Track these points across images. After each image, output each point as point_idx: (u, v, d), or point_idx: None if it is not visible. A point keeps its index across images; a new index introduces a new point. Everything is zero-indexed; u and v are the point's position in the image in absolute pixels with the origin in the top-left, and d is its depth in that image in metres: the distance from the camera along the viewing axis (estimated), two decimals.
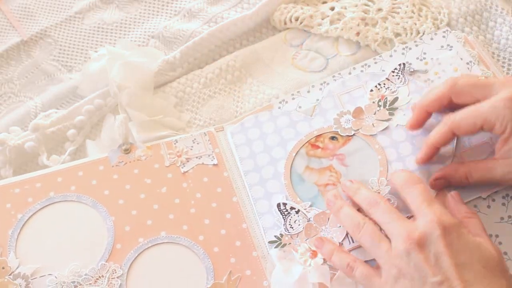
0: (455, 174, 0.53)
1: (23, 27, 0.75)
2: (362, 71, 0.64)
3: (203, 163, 0.60)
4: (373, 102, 0.61)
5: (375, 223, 0.50)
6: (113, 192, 0.59)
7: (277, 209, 0.56)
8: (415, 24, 0.67)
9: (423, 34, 0.66)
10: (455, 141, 0.56)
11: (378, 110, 0.60)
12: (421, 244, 0.45)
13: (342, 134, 0.59)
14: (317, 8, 0.70)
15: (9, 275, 0.54)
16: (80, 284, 0.54)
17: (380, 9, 0.69)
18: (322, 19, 0.69)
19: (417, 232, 0.46)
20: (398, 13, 0.68)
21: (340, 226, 0.54)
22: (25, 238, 0.57)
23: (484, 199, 0.54)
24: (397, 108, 0.60)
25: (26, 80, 0.72)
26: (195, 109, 0.66)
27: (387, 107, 0.60)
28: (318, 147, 0.59)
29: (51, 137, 0.64)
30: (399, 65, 0.62)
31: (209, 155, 0.61)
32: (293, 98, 0.63)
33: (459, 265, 0.44)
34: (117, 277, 0.54)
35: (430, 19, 0.67)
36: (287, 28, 0.70)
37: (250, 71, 0.68)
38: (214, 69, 0.68)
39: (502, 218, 0.53)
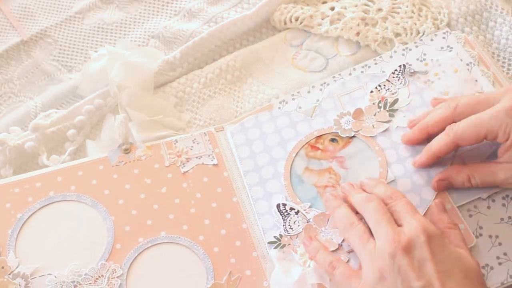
0: (457, 176, 0.54)
1: (23, 27, 0.75)
2: (362, 72, 0.64)
3: (203, 163, 0.60)
4: (373, 104, 0.61)
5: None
6: (113, 192, 0.59)
7: (276, 210, 0.56)
8: (415, 24, 0.67)
9: (423, 34, 0.66)
10: None
11: (378, 112, 0.60)
12: (407, 248, 0.46)
13: (342, 135, 0.59)
14: (317, 8, 0.70)
15: (9, 274, 0.54)
16: (80, 284, 0.54)
17: (380, 9, 0.69)
18: (322, 19, 0.69)
19: (403, 236, 0.47)
20: (398, 13, 0.68)
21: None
22: (24, 237, 0.57)
23: (484, 199, 0.54)
24: (397, 109, 0.60)
25: (26, 80, 0.72)
26: (195, 109, 0.66)
27: (387, 109, 0.60)
28: (318, 148, 0.59)
29: (51, 137, 0.64)
30: (399, 66, 0.62)
31: (209, 155, 0.61)
32: (293, 99, 0.63)
33: (442, 272, 0.45)
34: (117, 277, 0.54)
35: (430, 19, 0.67)
36: (287, 28, 0.70)
37: (250, 71, 0.68)
38: (214, 69, 0.68)
39: (502, 219, 0.53)
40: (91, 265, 0.55)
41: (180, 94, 0.67)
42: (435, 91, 0.60)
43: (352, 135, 0.59)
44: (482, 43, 0.65)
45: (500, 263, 0.52)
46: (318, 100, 0.62)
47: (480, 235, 0.53)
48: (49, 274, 0.55)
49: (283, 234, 0.55)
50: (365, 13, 0.68)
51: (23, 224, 0.57)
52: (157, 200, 0.58)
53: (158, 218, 0.57)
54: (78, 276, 0.54)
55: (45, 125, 0.64)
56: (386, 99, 0.61)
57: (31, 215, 0.58)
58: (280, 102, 0.63)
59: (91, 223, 0.57)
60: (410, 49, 0.64)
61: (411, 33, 0.66)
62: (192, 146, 0.61)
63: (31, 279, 0.54)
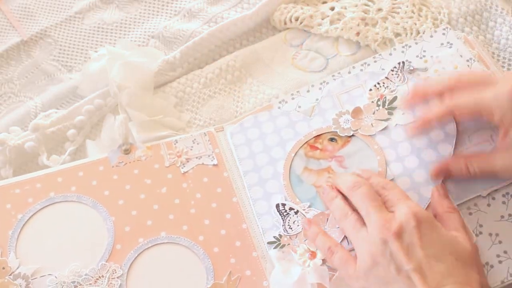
0: (455, 165, 0.54)
1: (23, 27, 0.75)
2: (361, 70, 0.63)
3: (203, 163, 0.60)
4: (372, 102, 0.60)
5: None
6: (113, 193, 0.59)
7: (276, 210, 0.56)
8: (415, 24, 0.67)
9: (423, 34, 0.66)
10: (454, 141, 0.56)
11: (377, 110, 0.60)
12: (398, 233, 0.47)
13: (341, 135, 0.59)
14: (317, 8, 0.70)
15: (9, 275, 0.55)
16: (80, 284, 0.54)
17: (380, 9, 0.69)
18: (322, 19, 0.69)
19: (394, 222, 0.48)
20: (398, 13, 0.68)
21: (338, 227, 0.54)
22: (25, 238, 0.57)
23: (484, 197, 0.54)
24: (396, 107, 0.60)
25: (26, 80, 0.72)
26: (195, 109, 0.66)
27: (386, 107, 0.60)
28: (317, 148, 0.59)
29: (51, 137, 0.65)
30: (398, 63, 0.62)
31: (209, 155, 0.61)
32: (293, 98, 0.63)
33: (431, 256, 0.46)
34: (117, 277, 0.55)
35: (430, 19, 0.67)
36: (287, 28, 0.70)
37: (250, 71, 0.68)
38: (214, 69, 0.68)
39: (502, 217, 0.53)
40: (92, 266, 0.55)
41: (180, 94, 0.67)
42: None
43: (351, 134, 0.59)
44: (482, 43, 0.65)
45: (500, 261, 0.52)
46: (317, 99, 0.62)
47: (480, 233, 0.53)
48: (50, 274, 0.55)
49: (282, 234, 0.55)
50: (365, 13, 0.68)
51: (23, 225, 0.57)
52: (157, 201, 0.58)
53: (158, 218, 0.57)
54: (79, 277, 0.54)
55: (45, 125, 0.64)
56: (385, 97, 0.60)
57: (32, 216, 0.58)
58: (280, 102, 0.63)
59: (91, 223, 0.57)
60: (410, 46, 0.64)
61: (411, 33, 0.66)
62: (192, 147, 0.61)
63: (31, 279, 0.54)
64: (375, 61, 0.63)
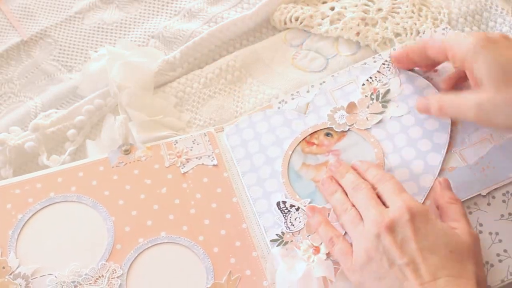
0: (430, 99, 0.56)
1: (23, 27, 0.75)
2: None
3: (203, 164, 0.60)
4: (366, 96, 0.61)
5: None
6: (113, 193, 0.59)
7: (276, 208, 0.56)
8: (415, 24, 0.67)
9: (423, 34, 0.66)
10: (449, 129, 0.57)
11: (371, 104, 0.60)
12: (390, 228, 0.47)
13: (337, 130, 0.59)
14: (317, 8, 0.70)
15: (9, 275, 0.55)
16: (80, 284, 0.54)
17: (380, 9, 0.69)
18: (322, 19, 0.69)
19: (387, 216, 0.48)
20: (398, 13, 0.68)
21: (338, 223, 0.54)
22: (25, 238, 0.57)
23: (484, 196, 0.54)
24: (390, 100, 0.60)
25: (26, 80, 0.72)
26: (195, 109, 0.66)
27: (380, 100, 0.60)
28: (313, 143, 0.60)
29: (51, 137, 0.65)
30: (389, 57, 0.62)
31: (209, 156, 0.61)
32: (293, 98, 0.63)
33: (425, 249, 0.46)
34: (117, 277, 0.55)
35: (430, 19, 0.67)
36: (287, 28, 0.70)
37: (250, 71, 0.68)
38: (214, 69, 0.68)
39: (502, 215, 0.53)
40: (92, 265, 0.55)
41: (180, 94, 0.67)
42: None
43: (347, 129, 0.59)
44: None
45: (500, 260, 0.52)
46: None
47: (480, 232, 0.53)
48: (50, 274, 0.55)
49: (285, 231, 0.55)
50: (365, 13, 0.68)
51: (23, 225, 0.57)
52: (157, 201, 0.58)
53: (158, 218, 0.57)
54: (79, 276, 0.54)
55: (45, 125, 0.64)
56: (378, 91, 0.61)
57: (32, 216, 0.58)
58: (280, 102, 0.63)
59: (91, 223, 0.57)
60: None
61: (411, 33, 0.66)
62: (192, 147, 0.61)
63: (31, 279, 0.54)
64: (374, 61, 0.63)
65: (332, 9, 0.69)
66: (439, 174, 0.55)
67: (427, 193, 0.54)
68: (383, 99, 0.60)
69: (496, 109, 0.50)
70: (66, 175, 0.60)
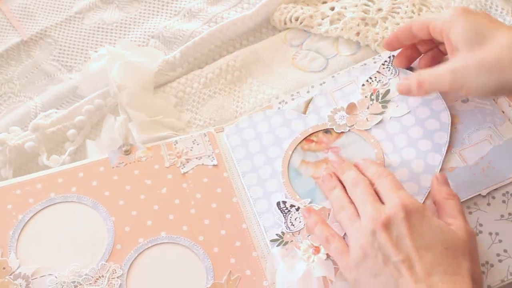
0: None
1: (23, 27, 0.75)
2: None
3: (203, 164, 0.61)
4: (366, 97, 0.61)
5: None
6: (114, 193, 0.59)
7: (277, 208, 0.56)
8: None
9: None
10: (449, 128, 0.57)
11: (371, 104, 0.60)
12: (386, 225, 0.47)
13: (337, 131, 0.60)
14: (317, 8, 0.70)
15: (10, 275, 0.55)
16: (80, 284, 0.54)
17: (380, 9, 0.69)
18: (322, 19, 0.69)
19: (383, 213, 0.48)
20: (398, 13, 0.68)
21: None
22: (25, 238, 0.57)
23: (484, 196, 0.54)
24: (390, 100, 0.60)
25: (26, 80, 0.72)
26: (195, 109, 0.66)
27: (379, 100, 0.60)
28: (312, 141, 0.60)
29: (51, 137, 0.65)
30: (389, 57, 0.62)
31: (209, 156, 0.61)
32: (293, 99, 0.63)
33: (420, 246, 0.46)
34: (117, 277, 0.55)
35: None
36: (287, 28, 0.70)
37: (250, 71, 0.68)
38: (214, 69, 0.68)
39: (502, 216, 0.53)
40: (92, 266, 0.55)
41: (180, 94, 0.67)
42: None
43: (347, 130, 0.59)
44: None
45: (500, 260, 0.52)
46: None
47: (480, 232, 0.53)
48: (50, 274, 0.55)
49: (285, 231, 0.55)
50: (365, 13, 0.68)
51: (24, 225, 0.57)
52: (157, 201, 0.58)
53: (158, 218, 0.57)
54: (79, 277, 0.55)
55: (45, 125, 0.64)
56: (378, 91, 0.61)
57: (32, 216, 0.58)
58: (280, 102, 0.63)
59: (91, 224, 0.57)
60: None
61: None
62: (192, 147, 0.61)
63: (32, 279, 0.54)
64: (374, 62, 0.64)
65: (332, 9, 0.69)
66: None
67: (427, 193, 0.54)
68: (383, 99, 0.60)
69: (469, 73, 0.50)
70: (67, 175, 0.60)
